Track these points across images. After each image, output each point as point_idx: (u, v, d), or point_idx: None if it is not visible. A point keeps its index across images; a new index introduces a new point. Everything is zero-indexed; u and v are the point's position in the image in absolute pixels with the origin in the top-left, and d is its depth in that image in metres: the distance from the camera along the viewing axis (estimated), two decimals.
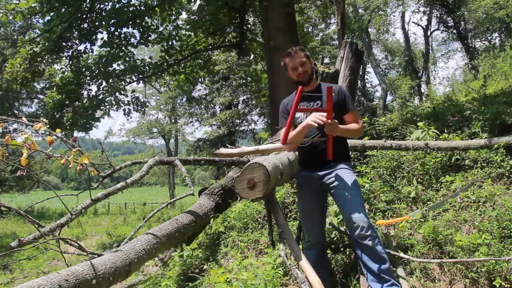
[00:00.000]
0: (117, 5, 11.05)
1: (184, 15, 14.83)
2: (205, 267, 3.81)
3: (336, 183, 2.58)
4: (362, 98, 22.50)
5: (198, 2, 12.10)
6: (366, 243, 2.41)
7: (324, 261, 2.88)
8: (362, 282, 2.70)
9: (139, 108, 13.80)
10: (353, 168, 2.78)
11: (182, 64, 13.72)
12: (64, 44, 10.80)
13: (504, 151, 3.94)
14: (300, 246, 3.29)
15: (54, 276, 2.51)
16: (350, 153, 4.30)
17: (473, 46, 24.77)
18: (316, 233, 2.79)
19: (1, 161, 3.01)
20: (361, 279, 2.72)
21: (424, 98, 15.11)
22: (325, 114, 2.38)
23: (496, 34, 24.64)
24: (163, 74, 13.96)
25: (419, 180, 4.15)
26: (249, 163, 2.48)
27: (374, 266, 2.41)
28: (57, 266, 6.80)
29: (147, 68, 12.84)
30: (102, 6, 10.89)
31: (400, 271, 2.83)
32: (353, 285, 2.83)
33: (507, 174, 3.81)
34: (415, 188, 3.90)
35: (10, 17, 10.11)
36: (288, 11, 8.63)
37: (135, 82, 13.39)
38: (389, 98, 24.57)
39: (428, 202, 3.80)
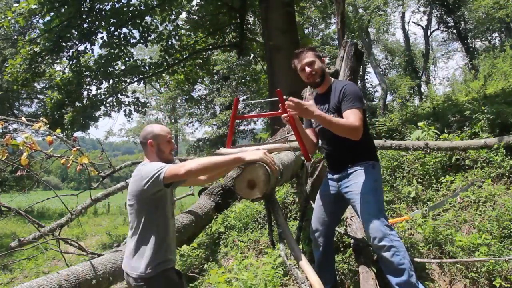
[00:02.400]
0: (117, 5, 11.05)
1: (184, 15, 14.83)
2: (205, 267, 3.81)
3: (350, 189, 2.47)
4: None
5: None
6: (382, 254, 2.31)
7: (326, 265, 2.78)
8: (362, 279, 2.70)
9: (140, 109, 13.79)
10: (375, 165, 2.52)
11: (182, 64, 13.72)
12: (64, 44, 10.80)
13: (504, 151, 3.94)
14: (300, 246, 3.29)
15: (54, 276, 2.52)
16: None
17: (473, 46, 24.76)
18: (318, 234, 2.73)
19: (1, 161, 3.01)
20: (361, 277, 2.72)
21: (424, 98, 15.11)
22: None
23: (496, 34, 24.63)
24: (163, 74, 13.96)
25: (419, 180, 4.15)
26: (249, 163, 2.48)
27: (391, 279, 2.32)
28: (57, 266, 6.79)
29: (147, 68, 12.84)
30: (102, 6, 10.88)
31: None
32: (353, 285, 2.83)
33: (507, 174, 3.81)
34: (415, 188, 3.90)
35: (12, 21, 10.09)
36: (288, 11, 8.64)
37: (136, 82, 13.39)
38: (389, 98, 24.55)
39: (428, 202, 3.80)
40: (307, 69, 2.52)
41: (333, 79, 2.67)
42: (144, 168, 2.04)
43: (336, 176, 2.60)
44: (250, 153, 2.12)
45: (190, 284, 3.55)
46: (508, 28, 22.20)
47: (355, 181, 2.45)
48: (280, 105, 2.40)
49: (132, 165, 4.88)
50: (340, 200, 2.64)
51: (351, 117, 2.34)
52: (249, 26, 14.99)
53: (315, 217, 2.73)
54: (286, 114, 2.32)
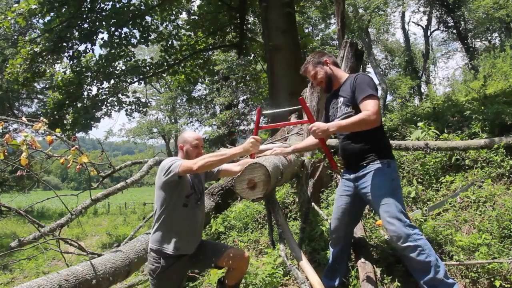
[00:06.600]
0: (117, 5, 11.05)
1: (184, 15, 14.84)
2: None
3: (367, 190, 2.46)
4: None
5: None
6: (407, 255, 2.33)
7: (341, 260, 2.81)
8: (361, 279, 2.70)
9: (140, 109, 13.80)
10: (390, 164, 2.48)
11: (182, 64, 13.73)
12: (64, 44, 10.79)
13: (504, 151, 3.94)
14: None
15: (54, 276, 2.52)
16: None
17: (473, 46, 24.75)
18: (337, 234, 2.75)
19: (1, 161, 3.01)
20: (361, 276, 2.72)
21: (424, 98, 15.10)
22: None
23: (496, 34, 24.63)
24: (163, 74, 13.97)
25: (419, 180, 4.15)
26: (249, 163, 2.48)
27: (417, 276, 2.35)
28: (57, 266, 6.80)
29: (148, 68, 12.85)
30: (102, 6, 10.89)
31: None
32: (353, 284, 2.83)
33: (507, 174, 3.81)
34: (415, 188, 3.89)
35: (12, 21, 10.08)
36: (288, 11, 8.64)
37: (136, 83, 13.40)
38: (389, 98, 24.55)
39: (428, 202, 3.80)
40: (314, 82, 2.73)
41: (347, 74, 2.73)
42: (163, 162, 2.48)
43: (352, 176, 2.59)
44: (241, 146, 2.47)
45: (190, 284, 3.55)
46: (508, 28, 22.20)
47: (372, 182, 2.44)
48: (304, 113, 2.48)
49: (132, 165, 4.88)
50: (359, 201, 2.63)
51: (367, 106, 2.37)
52: (249, 26, 14.99)
53: (335, 217, 2.74)
54: (315, 126, 2.40)
